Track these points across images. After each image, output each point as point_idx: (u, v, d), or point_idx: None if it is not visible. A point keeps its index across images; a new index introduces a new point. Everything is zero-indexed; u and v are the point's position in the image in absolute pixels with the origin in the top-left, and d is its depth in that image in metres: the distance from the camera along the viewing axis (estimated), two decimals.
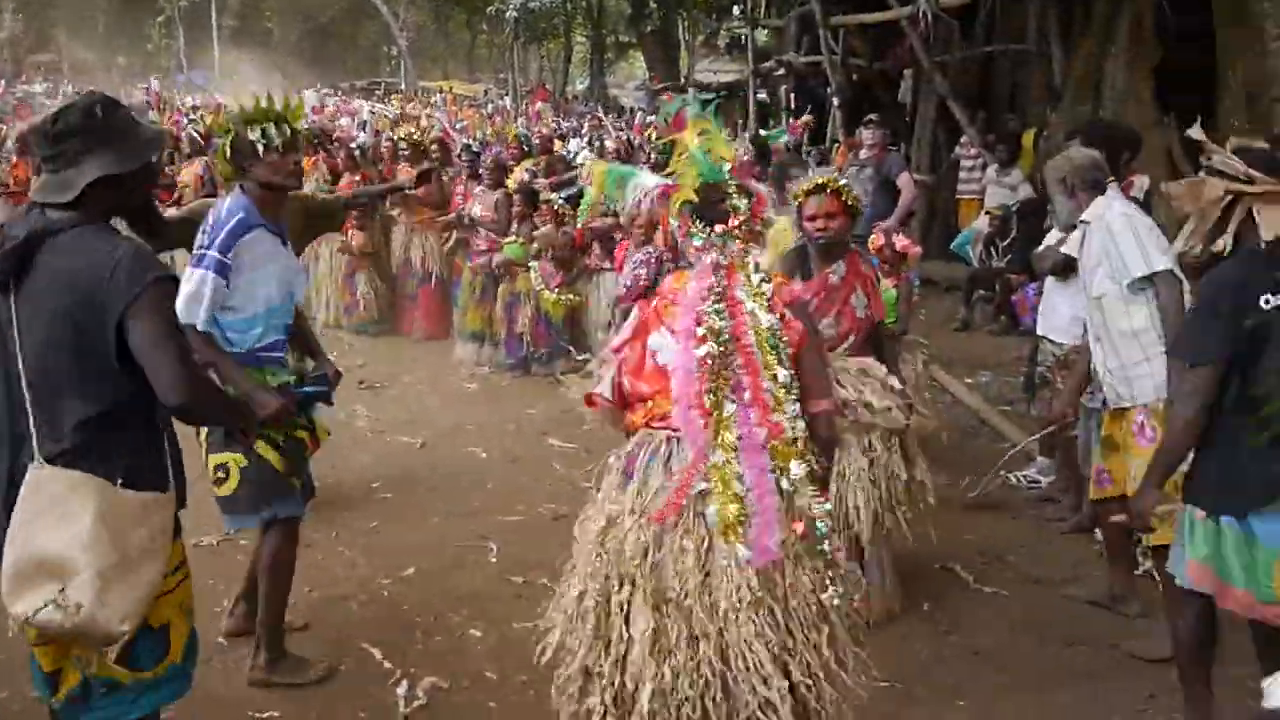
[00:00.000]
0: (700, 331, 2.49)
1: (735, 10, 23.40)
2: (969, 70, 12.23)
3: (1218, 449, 2.74)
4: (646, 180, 2.84)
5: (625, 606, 2.44)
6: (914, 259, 5.79)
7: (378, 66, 45.55)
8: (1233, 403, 2.70)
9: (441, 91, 32.67)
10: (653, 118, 13.71)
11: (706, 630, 2.37)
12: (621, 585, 2.46)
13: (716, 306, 2.52)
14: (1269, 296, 2.64)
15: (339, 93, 32.92)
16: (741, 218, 2.63)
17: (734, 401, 2.47)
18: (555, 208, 7.61)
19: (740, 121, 17.46)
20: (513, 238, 7.62)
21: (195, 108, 21.47)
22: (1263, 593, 2.64)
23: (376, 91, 35.62)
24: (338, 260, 8.97)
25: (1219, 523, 2.72)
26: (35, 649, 2.36)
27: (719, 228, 2.62)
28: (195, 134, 11.00)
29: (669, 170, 2.71)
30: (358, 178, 8.93)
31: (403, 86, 36.57)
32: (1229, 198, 2.81)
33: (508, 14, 26.89)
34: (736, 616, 2.36)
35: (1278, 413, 2.59)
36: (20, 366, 2.28)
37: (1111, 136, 4.68)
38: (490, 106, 27.23)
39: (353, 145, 10.11)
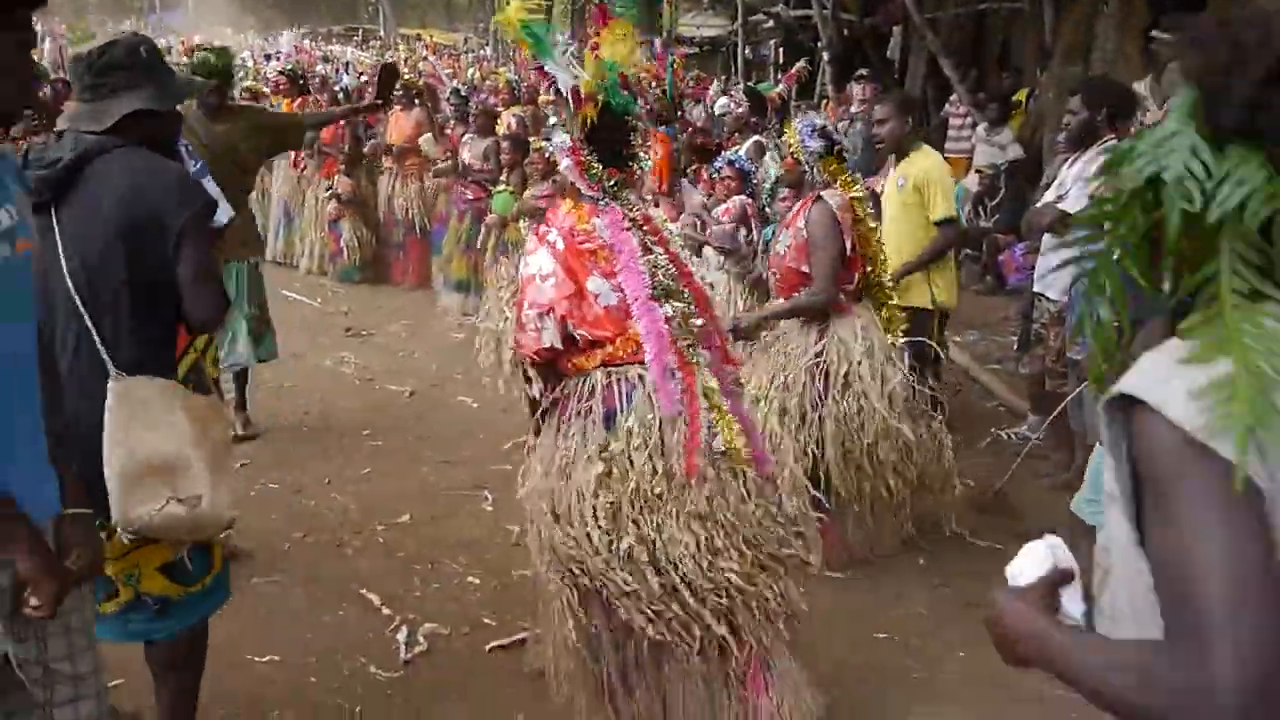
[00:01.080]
0: (655, 293, 2.57)
1: None
2: (961, 28, 12.15)
3: None
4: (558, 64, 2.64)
5: (659, 529, 2.53)
6: None
7: (356, 12, 44.75)
8: None
9: (420, 39, 32.18)
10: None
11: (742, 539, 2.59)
12: (644, 511, 2.54)
13: (663, 265, 2.62)
14: None
15: (317, 38, 32.35)
16: (638, 173, 2.67)
17: (706, 349, 2.68)
18: (547, 155, 7.50)
19: (724, 77, 17.31)
20: (503, 186, 7.51)
21: (169, 49, 21.02)
22: None
23: (355, 38, 35.05)
24: (323, 206, 8.85)
25: None
26: (110, 561, 2.29)
27: (615, 175, 2.64)
28: None
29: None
30: (342, 121, 8.77)
31: (381, 34, 35.98)
32: None
33: None
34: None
35: None
36: (69, 284, 2.28)
37: (1112, 94, 4.67)
38: (470, 55, 26.84)
39: (336, 88, 9.94)
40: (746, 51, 17.39)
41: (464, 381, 6.35)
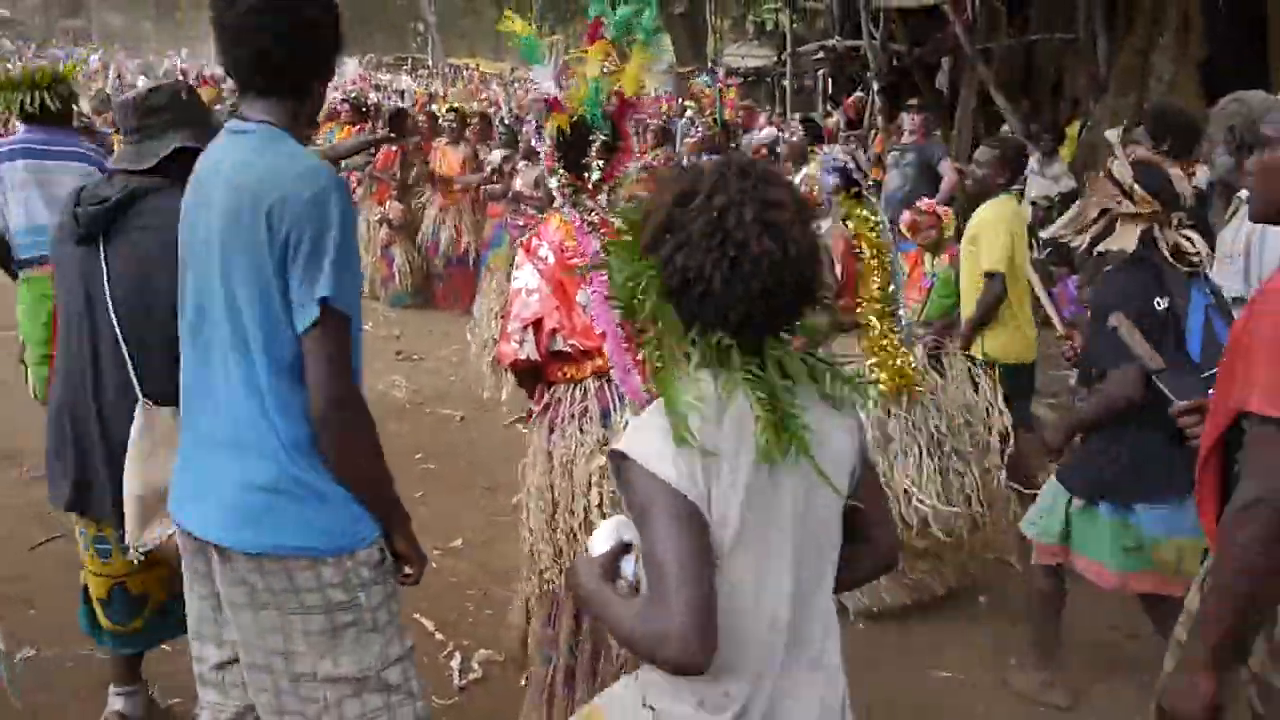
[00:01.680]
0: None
1: None
2: (1013, 58, 12.08)
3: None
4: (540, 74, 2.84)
5: None
6: (950, 222, 5.70)
7: (405, 42, 45.48)
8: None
9: (468, 68, 32.62)
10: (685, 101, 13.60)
11: None
12: None
13: None
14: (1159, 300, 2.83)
15: (369, 67, 32.91)
16: (593, 180, 2.80)
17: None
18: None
19: (769, 107, 17.34)
20: None
21: (221, 77, 21.47)
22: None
23: (404, 67, 35.57)
24: (375, 232, 8.93)
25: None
26: (128, 577, 2.63)
27: (571, 182, 2.81)
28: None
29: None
30: (394, 148, 8.87)
31: (430, 62, 36.51)
32: (1102, 208, 2.97)
33: None
34: None
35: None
36: (111, 314, 2.46)
37: (1179, 124, 4.58)
38: (516, 84, 27.14)
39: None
40: (792, 82, 17.42)
41: (513, 407, 6.35)
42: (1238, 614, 1.64)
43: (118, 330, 2.46)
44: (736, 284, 1.47)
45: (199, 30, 39.77)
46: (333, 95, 14.99)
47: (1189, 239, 2.90)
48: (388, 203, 8.76)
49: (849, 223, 3.92)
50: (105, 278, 2.46)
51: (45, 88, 3.69)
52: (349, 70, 20.02)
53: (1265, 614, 1.69)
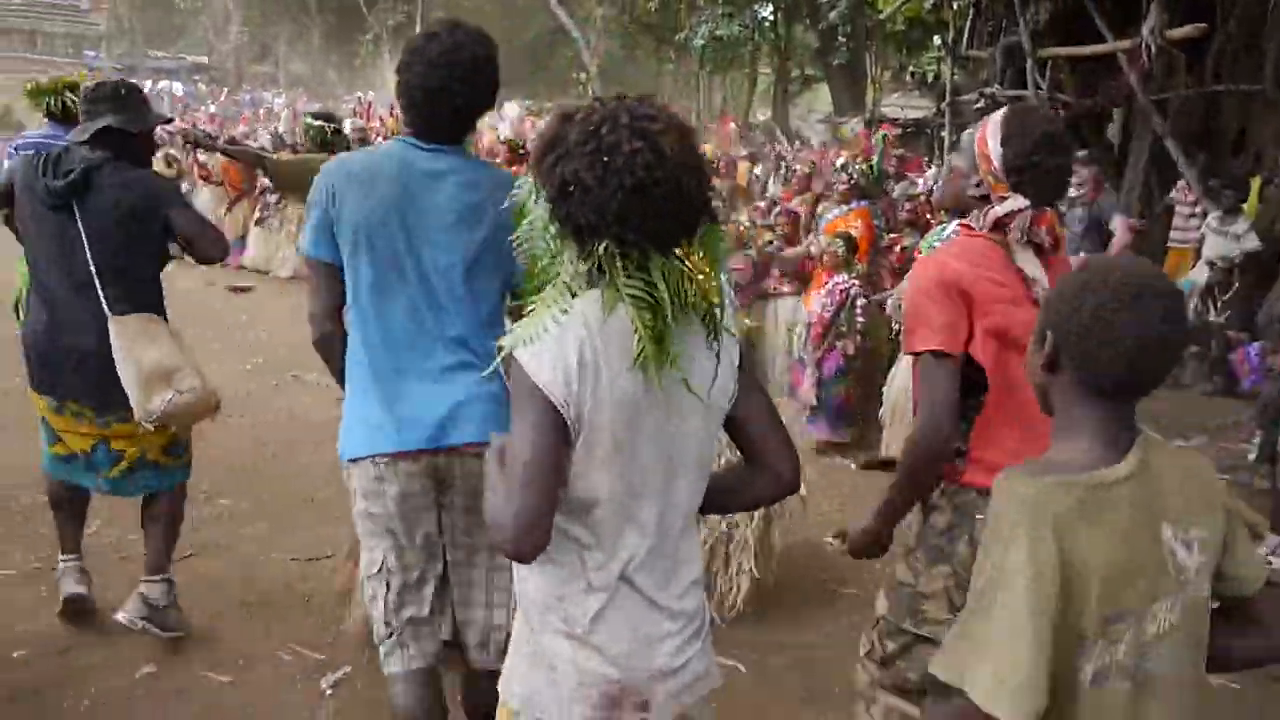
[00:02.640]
0: None
1: (935, 41, 22.78)
2: (1191, 110, 11.41)
3: None
4: None
5: None
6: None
7: (566, 90, 46.80)
8: None
9: None
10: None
11: None
12: None
13: None
14: None
15: (526, 111, 33.95)
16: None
17: None
18: (740, 228, 7.45)
19: (927, 158, 16.93)
20: None
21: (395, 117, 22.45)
22: None
23: None
24: None
25: None
26: (114, 440, 3.49)
27: None
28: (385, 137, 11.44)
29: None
30: None
31: None
32: None
33: (694, 43, 27.03)
34: None
35: None
36: (88, 255, 3.33)
37: None
38: None
39: None
40: (951, 133, 16.97)
41: None
42: (904, 501, 2.32)
43: (92, 268, 3.34)
44: (610, 179, 1.54)
45: (377, 77, 41.94)
46: (492, 136, 15.41)
47: None
48: None
49: None
50: (82, 232, 3.33)
51: (66, 92, 4.38)
52: (510, 112, 20.57)
53: (918, 497, 2.33)
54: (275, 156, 5.36)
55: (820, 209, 8.03)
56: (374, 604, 2.53)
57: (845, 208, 7.42)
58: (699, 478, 1.73)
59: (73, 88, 4.31)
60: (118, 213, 3.35)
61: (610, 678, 1.67)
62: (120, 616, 3.57)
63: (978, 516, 2.15)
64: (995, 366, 2.17)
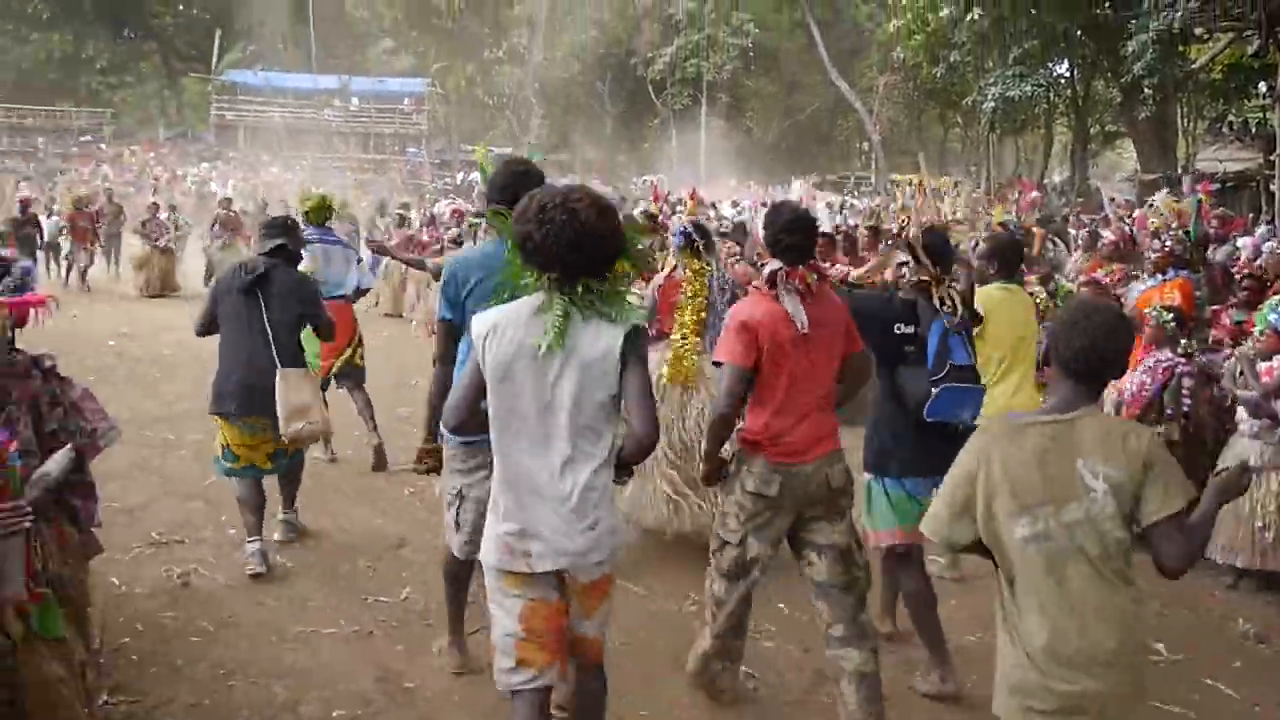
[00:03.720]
0: None
1: (1263, 87, 20.81)
2: None
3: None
4: None
5: None
6: None
7: (849, 161, 46.66)
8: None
9: (911, 184, 32.60)
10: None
11: None
12: None
13: None
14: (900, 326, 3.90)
15: (806, 182, 34.08)
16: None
17: None
18: (1036, 300, 7.01)
19: (1252, 215, 15.33)
20: None
21: (680, 199, 23.24)
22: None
23: (846, 185, 36.39)
24: None
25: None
26: (263, 449, 5.23)
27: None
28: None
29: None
30: (831, 266, 8.94)
31: (872, 180, 37.04)
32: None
33: (984, 106, 26.16)
34: None
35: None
36: (265, 325, 5.13)
37: None
38: (961, 198, 26.59)
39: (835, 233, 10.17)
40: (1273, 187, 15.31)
41: None
42: (710, 449, 3.59)
43: (270, 334, 5.12)
44: (549, 240, 2.63)
45: (663, 160, 43.73)
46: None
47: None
48: None
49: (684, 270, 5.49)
50: (263, 308, 5.14)
51: (329, 207, 7.33)
52: (795, 189, 20.69)
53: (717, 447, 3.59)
54: (431, 263, 6.44)
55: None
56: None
57: (1160, 278, 6.83)
58: (593, 424, 2.73)
59: (322, 204, 7.22)
60: (284, 299, 5.19)
61: (510, 531, 2.78)
62: (275, 536, 5.53)
63: (745, 465, 3.55)
64: (764, 374, 3.48)
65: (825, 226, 13.14)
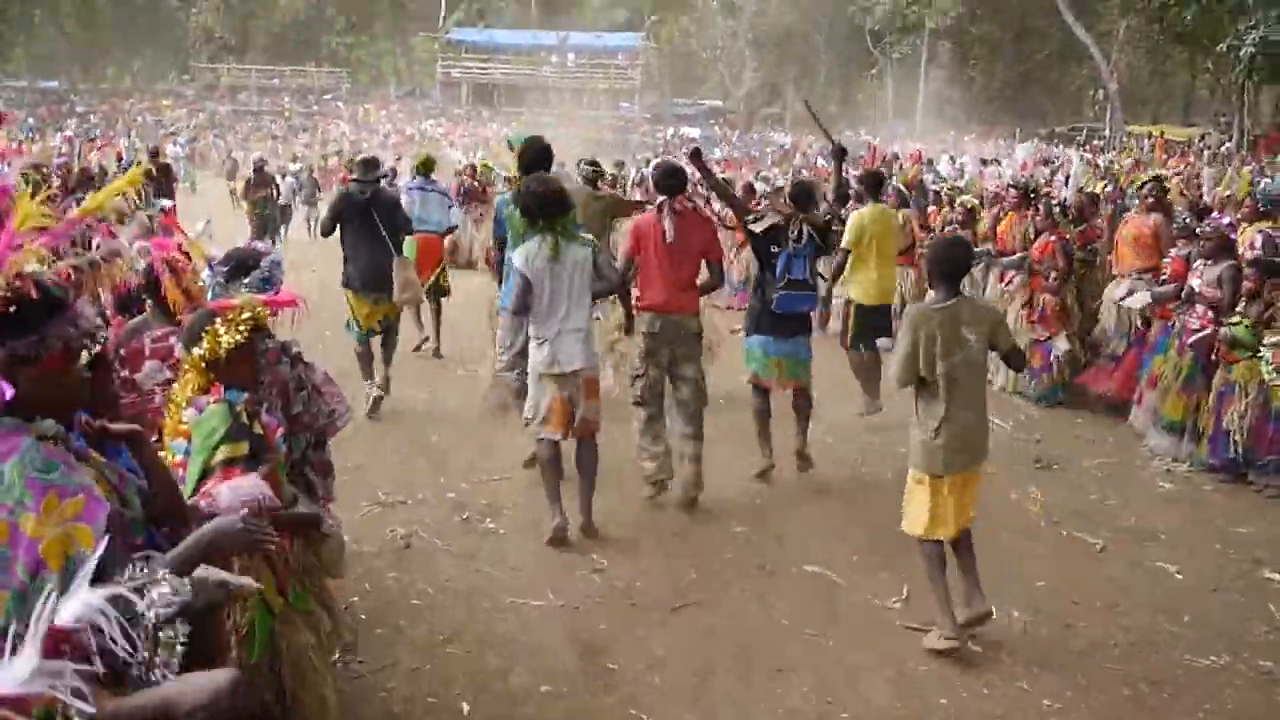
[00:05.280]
0: None
1: None
2: None
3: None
4: None
5: None
6: None
7: (1080, 111, 43.63)
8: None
9: (1150, 136, 30.14)
10: None
11: None
12: None
13: None
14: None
15: (1036, 139, 32.13)
16: None
17: None
18: None
19: None
20: (1238, 317, 6.51)
21: (895, 155, 22.46)
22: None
23: (1077, 138, 34.09)
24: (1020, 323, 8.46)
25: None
26: (374, 317, 7.45)
27: None
28: (900, 186, 11.32)
29: None
30: (1052, 236, 8.37)
31: (1106, 132, 34.51)
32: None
33: (1242, 51, 23.81)
34: None
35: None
36: (379, 227, 7.40)
37: None
38: (1208, 153, 24.36)
39: (1053, 201, 9.48)
40: None
41: (1166, 544, 5.55)
42: (624, 300, 6.08)
43: (384, 233, 7.27)
44: (535, 199, 5.11)
45: (876, 111, 42.35)
46: (988, 176, 14.70)
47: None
48: (1040, 293, 8.31)
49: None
50: (375, 215, 7.27)
51: (431, 163, 9.71)
52: (1019, 154, 19.52)
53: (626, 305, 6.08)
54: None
55: None
56: None
57: None
58: (582, 292, 5.14)
59: (428, 162, 9.69)
60: (387, 209, 7.46)
61: (552, 353, 5.18)
62: (372, 392, 7.48)
63: (641, 326, 5.75)
64: (642, 264, 5.73)
65: (1071, 190, 12.31)
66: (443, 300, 9.54)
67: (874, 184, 7.83)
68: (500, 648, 4.30)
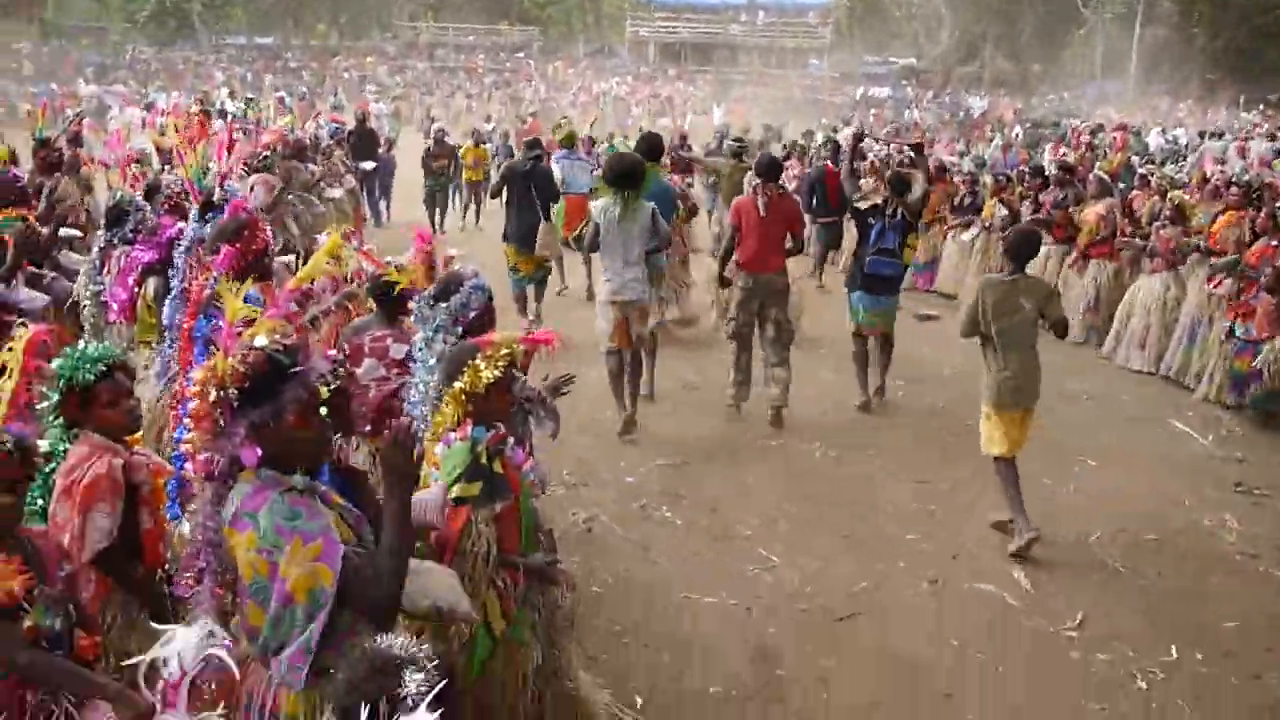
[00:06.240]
0: None
1: None
2: None
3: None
4: None
5: None
6: None
7: None
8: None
9: None
10: None
11: None
12: None
13: None
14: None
15: (1263, 107, 29.66)
16: None
17: None
18: None
19: None
20: None
21: (1099, 128, 21.22)
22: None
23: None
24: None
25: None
26: (527, 267, 9.22)
27: None
28: (1103, 174, 10.76)
29: None
30: (1274, 242, 7.81)
31: None
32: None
33: None
34: None
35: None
36: (534, 195, 9.11)
37: None
38: None
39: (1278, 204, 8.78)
40: None
41: None
42: (721, 262, 8.09)
43: (537, 201, 8.93)
44: (612, 173, 6.70)
45: (1084, 70, 39.90)
46: (1219, 172, 13.61)
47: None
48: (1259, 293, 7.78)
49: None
50: (531, 186, 8.95)
51: (574, 136, 12.53)
52: (1252, 152, 17.67)
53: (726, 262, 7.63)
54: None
55: None
56: None
57: None
58: (641, 244, 6.56)
59: (570, 137, 12.15)
60: (542, 181, 9.01)
61: (613, 287, 6.67)
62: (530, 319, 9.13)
63: (738, 281, 7.25)
64: (741, 232, 7.11)
65: None
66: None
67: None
68: (674, 646, 4.50)
